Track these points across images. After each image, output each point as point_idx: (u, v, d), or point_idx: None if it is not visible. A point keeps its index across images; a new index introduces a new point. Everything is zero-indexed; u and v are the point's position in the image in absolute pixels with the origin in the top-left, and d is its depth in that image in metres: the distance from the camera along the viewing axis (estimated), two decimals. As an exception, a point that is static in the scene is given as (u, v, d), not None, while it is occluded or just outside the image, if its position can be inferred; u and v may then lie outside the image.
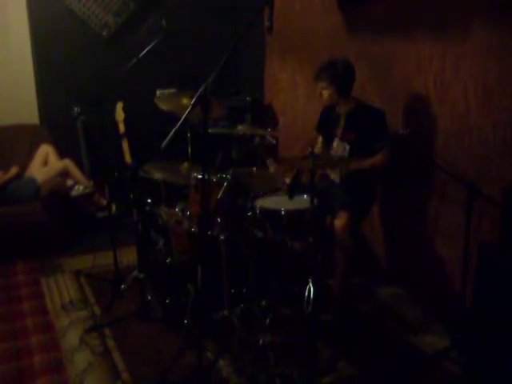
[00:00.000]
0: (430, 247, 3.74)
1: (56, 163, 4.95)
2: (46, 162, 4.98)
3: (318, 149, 3.89)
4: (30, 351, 3.21)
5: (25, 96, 5.20)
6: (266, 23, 3.22)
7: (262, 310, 3.29)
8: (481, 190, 3.00)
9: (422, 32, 3.59)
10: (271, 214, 3.29)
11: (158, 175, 3.63)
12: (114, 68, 4.06)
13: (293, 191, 3.32)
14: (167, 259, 3.58)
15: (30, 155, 5.01)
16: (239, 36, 2.53)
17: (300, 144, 4.96)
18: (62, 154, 5.01)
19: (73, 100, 4.90)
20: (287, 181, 3.58)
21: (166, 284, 3.56)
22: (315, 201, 3.01)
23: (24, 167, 4.93)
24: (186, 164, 3.66)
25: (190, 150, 3.70)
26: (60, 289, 4.01)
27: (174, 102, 3.47)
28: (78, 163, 4.97)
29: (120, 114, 4.55)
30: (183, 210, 3.51)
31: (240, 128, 3.53)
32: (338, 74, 3.53)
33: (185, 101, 3.34)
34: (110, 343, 3.27)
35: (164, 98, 3.56)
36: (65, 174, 4.89)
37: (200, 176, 3.24)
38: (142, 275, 3.63)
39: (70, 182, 4.90)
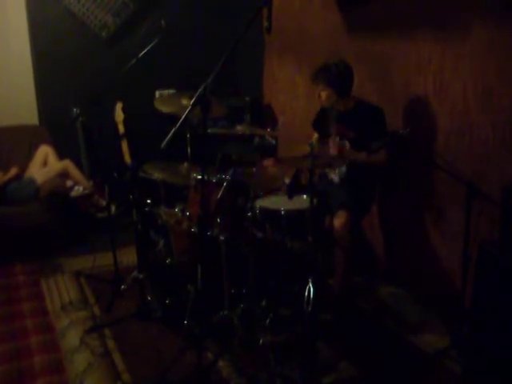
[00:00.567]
0: (429, 246, 3.74)
1: (55, 164, 4.94)
2: (45, 163, 4.97)
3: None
4: (29, 352, 3.21)
5: (24, 97, 5.19)
6: (265, 23, 3.22)
7: (262, 310, 3.29)
8: (480, 189, 3.00)
9: (422, 31, 3.59)
10: (271, 214, 3.29)
11: (157, 175, 3.63)
12: (113, 68, 4.05)
13: (292, 191, 3.32)
14: (167, 259, 3.58)
15: (29, 156, 5.01)
16: (238, 36, 2.53)
17: (299, 144, 4.96)
18: (61, 154, 5.01)
19: (72, 101, 4.89)
20: (287, 181, 3.58)
21: (165, 284, 3.56)
22: (314, 201, 3.01)
23: (23, 168, 4.93)
24: (185, 164, 3.66)
25: (189, 150, 3.70)
26: (60, 289, 4.00)
27: (174, 103, 3.47)
28: (78, 164, 4.96)
29: (119, 115, 4.53)
30: (183, 211, 3.51)
31: (239, 128, 3.53)
32: (334, 76, 3.53)
33: (184, 102, 3.34)
34: (110, 344, 3.27)
35: (163, 100, 3.55)
36: (64, 174, 4.89)
37: (200, 176, 3.24)
38: (141, 276, 3.62)
39: (69, 183, 4.89)
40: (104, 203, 4.88)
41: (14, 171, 4.80)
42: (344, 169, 3.69)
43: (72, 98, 4.92)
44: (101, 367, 3.04)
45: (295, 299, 3.27)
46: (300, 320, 3.21)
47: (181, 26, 5.36)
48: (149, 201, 3.74)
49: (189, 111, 2.46)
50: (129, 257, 4.21)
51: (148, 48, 3.62)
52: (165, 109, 3.48)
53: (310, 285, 3.07)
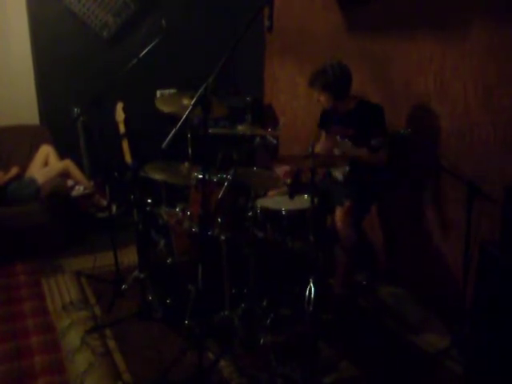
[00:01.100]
0: (430, 246, 3.74)
1: (56, 164, 4.94)
2: (46, 163, 4.97)
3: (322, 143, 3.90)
4: (30, 352, 3.21)
5: (25, 96, 5.19)
6: (266, 22, 3.22)
7: (263, 310, 3.29)
8: (481, 189, 2.99)
9: (423, 31, 3.59)
10: (272, 214, 3.29)
11: (158, 175, 3.62)
12: (114, 68, 4.05)
13: (293, 191, 3.32)
14: (168, 259, 3.58)
15: (30, 156, 5.00)
16: (239, 36, 2.53)
17: (300, 143, 4.96)
18: (62, 154, 5.01)
19: (73, 100, 4.90)
20: (288, 181, 3.58)
21: (166, 284, 3.56)
22: (316, 200, 3.01)
23: (24, 168, 4.93)
24: (186, 164, 3.66)
25: (190, 150, 3.70)
26: (61, 289, 4.00)
27: (175, 103, 3.47)
28: (79, 164, 4.97)
29: (120, 115, 4.54)
30: (184, 210, 3.51)
31: (240, 128, 3.53)
32: (330, 81, 3.54)
33: (185, 102, 3.34)
34: (111, 344, 3.27)
35: (164, 100, 3.55)
36: (65, 174, 4.89)
37: (201, 176, 3.24)
38: (142, 275, 3.62)
39: (70, 183, 4.89)
40: (105, 203, 4.88)
41: (14, 171, 4.80)
42: (347, 167, 3.68)
43: (73, 98, 4.93)
44: (101, 367, 3.04)
45: (296, 299, 3.27)
46: (301, 320, 3.21)
47: (182, 25, 5.36)
48: (149, 200, 3.74)
49: (190, 111, 2.46)
50: (129, 257, 4.21)
51: (149, 48, 3.62)
52: (166, 108, 3.48)
53: (311, 285, 3.07)
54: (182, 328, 3.20)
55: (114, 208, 4.67)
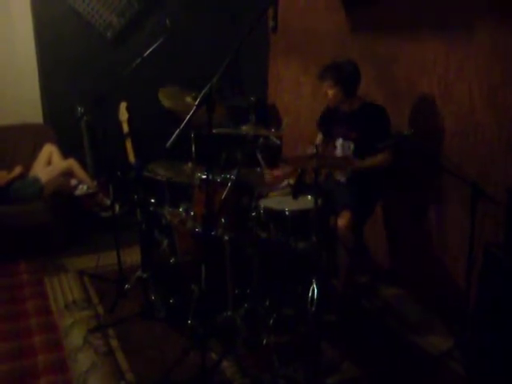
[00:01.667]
0: (433, 248, 3.73)
1: (60, 163, 4.94)
2: (49, 162, 4.97)
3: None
4: (33, 351, 3.21)
5: (29, 95, 5.19)
6: (271, 22, 3.22)
7: (266, 310, 3.29)
8: (485, 190, 2.99)
9: (427, 32, 3.59)
10: (275, 215, 3.28)
11: (162, 175, 3.63)
12: (117, 68, 4.05)
13: (297, 191, 3.32)
14: (171, 259, 3.58)
15: (33, 155, 5.01)
16: (243, 36, 2.53)
17: (304, 144, 4.96)
18: (65, 153, 5.01)
19: (77, 100, 4.90)
20: (291, 181, 3.58)
21: (169, 284, 3.56)
22: (319, 201, 3.01)
23: (28, 167, 4.93)
24: (190, 164, 3.66)
25: (194, 150, 3.70)
26: (63, 288, 4.00)
27: (177, 99, 3.46)
28: (82, 163, 4.97)
29: (124, 114, 4.53)
30: (187, 210, 3.51)
31: (244, 128, 3.53)
32: (344, 75, 3.54)
33: (188, 99, 3.33)
34: (114, 343, 3.27)
35: (167, 94, 3.55)
36: (68, 173, 4.89)
37: (204, 176, 3.24)
38: (145, 275, 3.63)
39: (73, 182, 4.89)
40: (108, 202, 4.88)
41: (18, 170, 4.80)
42: (349, 169, 3.68)
43: (76, 97, 4.92)
44: (104, 366, 3.04)
45: (299, 299, 3.27)
46: (304, 320, 3.21)
47: (186, 25, 5.35)
48: (153, 200, 3.74)
49: (194, 111, 2.45)
50: (133, 256, 4.21)
51: (153, 47, 3.62)
52: (167, 103, 3.48)
53: (314, 285, 3.06)
54: (184, 328, 3.21)
55: (117, 207, 4.67)
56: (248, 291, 3.36)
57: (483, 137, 3.26)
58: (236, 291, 3.32)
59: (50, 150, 4.99)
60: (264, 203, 3.35)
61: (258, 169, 3.74)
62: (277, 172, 3.75)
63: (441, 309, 3.64)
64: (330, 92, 3.60)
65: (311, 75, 4.82)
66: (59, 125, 5.18)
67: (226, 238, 3.21)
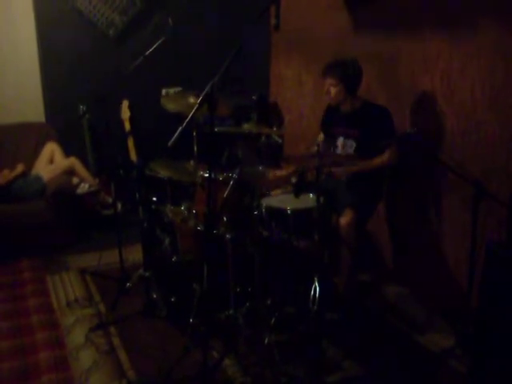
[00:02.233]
0: (436, 246, 3.73)
1: (62, 161, 4.95)
2: (51, 160, 4.98)
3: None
4: (35, 348, 3.21)
5: (31, 94, 5.19)
6: (273, 21, 3.21)
7: (268, 308, 3.29)
8: (488, 189, 2.98)
9: (429, 31, 3.59)
10: (277, 213, 3.28)
11: (163, 173, 3.63)
12: (120, 67, 4.06)
13: (299, 190, 3.32)
14: (173, 258, 3.58)
15: (35, 153, 5.01)
16: (245, 34, 2.53)
17: (306, 142, 4.96)
18: (67, 152, 5.01)
19: (78, 98, 4.90)
20: (293, 180, 3.58)
21: (171, 282, 3.56)
22: (321, 199, 3.01)
23: (30, 165, 4.93)
24: (191, 162, 3.66)
25: (196, 148, 3.70)
26: (65, 286, 4.01)
27: (181, 101, 3.47)
28: (84, 161, 4.97)
29: (126, 112, 4.55)
30: (189, 209, 3.51)
31: (246, 126, 3.53)
32: (348, 72, 3.54)
33: (191, 100, 3.34)
34: (115, 341, 3.27)
35: (170, 98, 3.55)
36: (70, 172, 4.89)
37: (206, 174, 3.24)
38: (147, 273, 3.63)
39: (75, 180, 4.90)
40: (110, 201, 4.88)
41: (20, 168, 4.81)
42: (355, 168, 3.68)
43: (78, 96, 4.93)
44: (106, 365, 3.05)
45: (301, 298, 3.27)
46: (305, 319, 3.21)
47: (188, 24, 5.35)
48: (155, 198, 3.75)
49: (196, 109, 2.46)
50: (134, 254, 4.21)
51: (155, 46, 3.62)
52: (171, 107, 3.48)
53: (316, 284, 3.07)
54: (186, 326, 3.20)
55: (119, 206, 4.68)
56: (250, 290, 3.37)
57: (486, 136, 3.26)
58: (238, 290, 3.33)
59: (51, 149, 4.99)
60: (266, 202, 3.35)
61: (260, 167, 3.73)
62: (280, 172, 3.75)
63: (443, 307, 3.64)
64: (333, 90, 3.60)
65: (313, 74, 4.82)
66: (61, 123, 5.18)
67: (228, 236, 3.21)
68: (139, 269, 3.73)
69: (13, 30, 5.01)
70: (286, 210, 3.24)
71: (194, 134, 3.67)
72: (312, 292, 3.07)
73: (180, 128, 2.38)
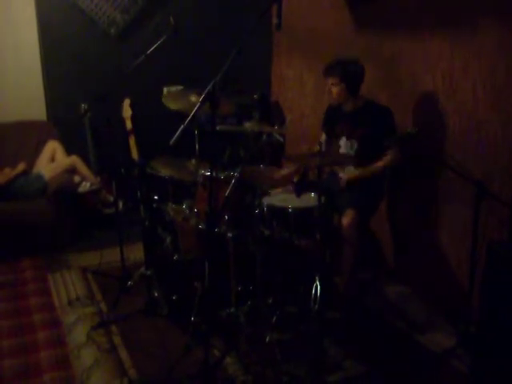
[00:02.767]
0: (437, 245, 3.73)
1: (63, 160, 4.94)
2: (53, 159, 4.97)
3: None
4: (36, 347, 3.22)
5: (32, 92, 5.19)
6: (275, 20, 3.21)
7: (269, 307, 3.30)
8: (489, 189, 2.98)
9: (431, 30, 3.58)
10: (278, 212, 3.29)
11: (165, 172, 3.63)
12: (121, 65, 4.06)
13: (300, 189, 3.32)
14: (174, 256, 3.59)
15: (37, 152, 5.00)
16: (247, 33, 2.52)
17: (307, 142, 4.96)
18: (69, 150, 5.01)
19: (80, 97, 4.90)
20: (295, 179, 3.58)
21: (172, 281, 3.56)
22: (322, 199, 3.01)
23: (31, 164, 4.93)
24: (193, 161, 3.66)
25: (197, 146, 3.70)
26: (67, 285, 4.01)
27: (182, 100, 3.46)
28: (85, 160, 4.97)
29: (127, 111, 4.55)
30: (190, 207, 3.51)
31: (248, 125, 3.52)
32: (349, 72, 3.54)
33: (193, 99, 3.33)
34: (117, 340, 3.27)
35: (172, 97, 3.54)
36: (72, 170, 4.89)
37: (208, 173, 3.24)
38: (148, 272, 3.63)
39: (77, 179, 4.89)
40: (111, 199, 4.88)
41: (21, 167, 4.80)
42: (352, 167, 3.68)
43: (80, 94, 4.93)
44: (107, 363, 3.05)
45: (302, 297, 3.27)
46: (307, 318, 3.21)
47: (189, 22, 5.35)
48: (156, 197, 3.75)
49: (198, 108, 2.46)
50: (136, 253, 4.21)
51: (156, 44, 3.62)
52: (173, 105, 3.48)
53: (317, 283, 3.07)
54: (187, 325, 3.20)
55: (120, 204, 4.68)
56: (251, 288, 3.37)
57: (487, 135, 3.26)
58: (239, 288, 3.33)
59: (53, 147, 4.99)
60: (267, 201, 3.35)
61: (262, 166, 3.73)
62: (284, 171, 3.75)
63: (444, 306, 3.64)
64: (335, 89, 3.59)
65: (314, 73, 4.81)
66: (63, 122, 5.18)
67: (230, 235, 3.21)
68: (140, 267, 3.74)
69: (14, 29, 5.00)
70: (287, 209, 3.24)
71: (196, 132, 3.67)
72: (313, 291, 3.07)
73: (182, 126, 2.38)
